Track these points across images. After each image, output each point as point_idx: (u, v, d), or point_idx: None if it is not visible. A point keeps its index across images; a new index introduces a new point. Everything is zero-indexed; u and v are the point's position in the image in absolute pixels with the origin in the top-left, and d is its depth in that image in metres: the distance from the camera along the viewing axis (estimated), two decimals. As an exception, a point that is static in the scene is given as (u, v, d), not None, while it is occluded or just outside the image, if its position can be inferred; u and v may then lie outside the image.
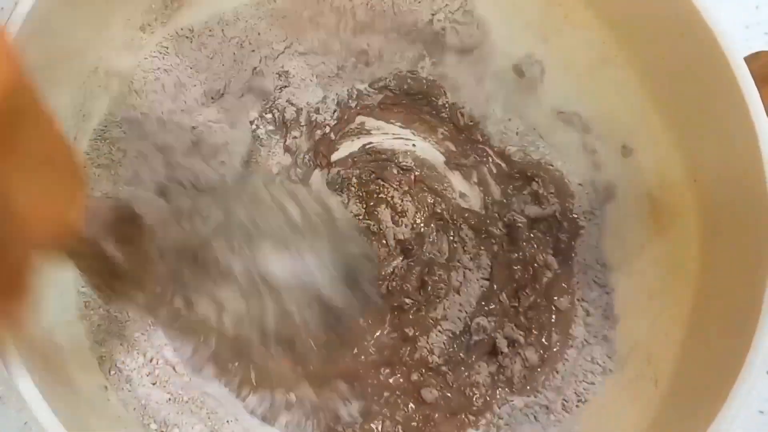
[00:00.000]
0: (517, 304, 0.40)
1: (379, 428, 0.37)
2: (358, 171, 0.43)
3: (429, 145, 0.44)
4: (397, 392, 0.38)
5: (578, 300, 0.39)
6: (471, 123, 0.43)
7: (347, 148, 0.44)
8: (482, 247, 0.42)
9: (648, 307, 0.34)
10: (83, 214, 0.22)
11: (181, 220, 0.29)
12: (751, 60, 0.33)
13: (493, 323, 0.40)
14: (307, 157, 0.43)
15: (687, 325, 0.31)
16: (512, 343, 0.39)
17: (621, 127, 0.35)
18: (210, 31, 0.38)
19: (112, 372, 0.33)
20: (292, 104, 0.42)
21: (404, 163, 0.43)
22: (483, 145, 0.43)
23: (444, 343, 0.40)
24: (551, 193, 0.41)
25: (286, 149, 0.43)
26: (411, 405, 0.38)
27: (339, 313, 0.30)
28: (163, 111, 0.37)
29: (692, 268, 0.31)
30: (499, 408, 0.37)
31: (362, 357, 0.39)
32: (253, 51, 0.40)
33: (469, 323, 0.40)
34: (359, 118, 0.44)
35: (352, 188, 0.43)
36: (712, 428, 0.25)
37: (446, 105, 0.43)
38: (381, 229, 0.42)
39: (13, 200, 0.18)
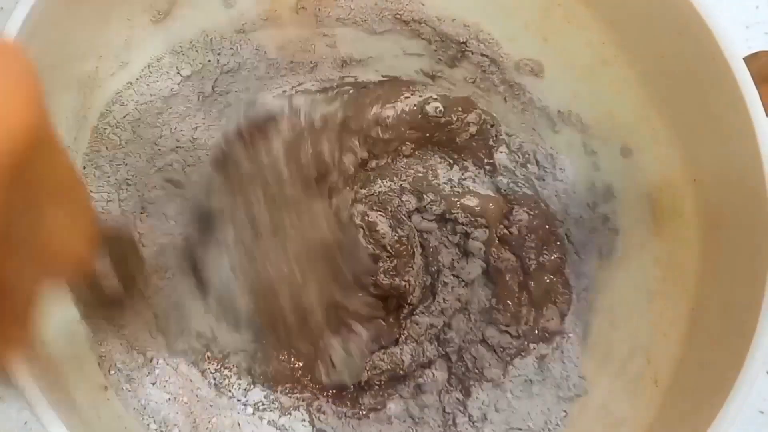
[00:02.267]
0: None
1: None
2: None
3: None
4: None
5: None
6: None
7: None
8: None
9: (648, 307, 0.34)
10: (97, 245, 0.23)
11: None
12: (751, 60, 0.33)
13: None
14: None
15: (687, 325, 0.31)
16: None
17: (621, 127, 0.35)
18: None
19: (112, 372, 0.33)
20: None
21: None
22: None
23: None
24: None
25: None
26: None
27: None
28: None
29: (692, 268, 0.31)
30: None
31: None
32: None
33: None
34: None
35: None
36: (712, 428, 0.25)
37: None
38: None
39: (45, 232, 0.19)
